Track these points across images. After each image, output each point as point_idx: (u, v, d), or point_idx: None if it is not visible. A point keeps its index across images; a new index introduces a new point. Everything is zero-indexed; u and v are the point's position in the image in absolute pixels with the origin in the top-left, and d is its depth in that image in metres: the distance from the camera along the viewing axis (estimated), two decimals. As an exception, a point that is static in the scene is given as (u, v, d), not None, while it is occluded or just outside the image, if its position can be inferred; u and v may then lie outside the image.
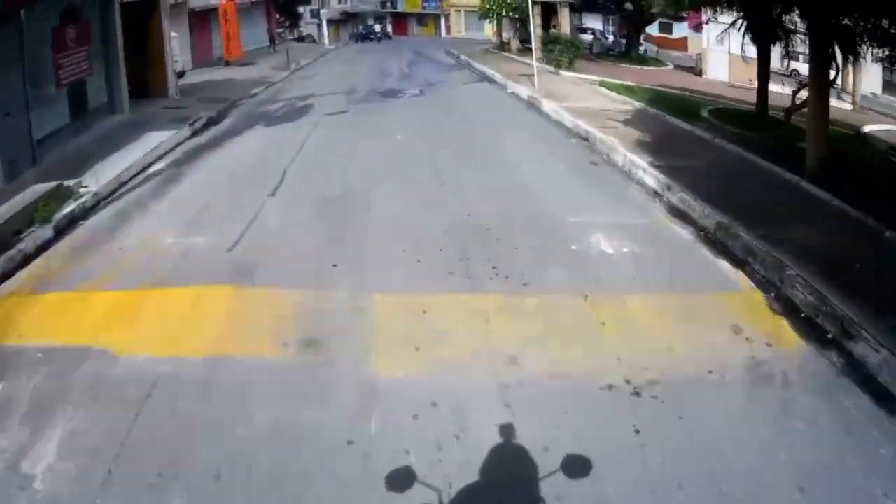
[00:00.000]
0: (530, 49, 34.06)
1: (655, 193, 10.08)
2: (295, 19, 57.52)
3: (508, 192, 9.84)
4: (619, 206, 9.41)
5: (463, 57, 32.71)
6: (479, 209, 8.93)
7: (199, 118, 17.42)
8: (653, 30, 59.17)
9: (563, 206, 9.13)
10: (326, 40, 48.42)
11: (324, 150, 12.83)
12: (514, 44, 33.43)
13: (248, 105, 20.10)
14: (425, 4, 64.23)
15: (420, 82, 23.47)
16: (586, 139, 13.61)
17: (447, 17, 61.54)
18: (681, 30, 58.36)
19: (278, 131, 15.35)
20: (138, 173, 12.04)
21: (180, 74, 24.14)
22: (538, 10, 28.13)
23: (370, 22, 67.60)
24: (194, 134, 16.25)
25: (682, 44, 51.23)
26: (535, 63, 21.13)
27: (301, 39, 55.23)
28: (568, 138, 13.96)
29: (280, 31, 54.90)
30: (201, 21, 34.04)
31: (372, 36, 56.95)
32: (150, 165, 12.69)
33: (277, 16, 52.44)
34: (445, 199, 9.45)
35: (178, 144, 14.89)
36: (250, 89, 23.64)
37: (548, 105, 17.35)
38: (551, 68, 25.82)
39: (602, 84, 21.73)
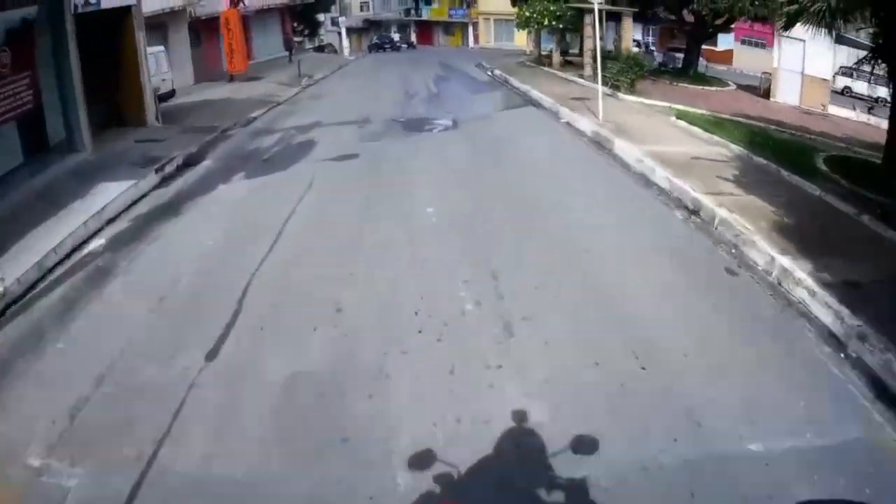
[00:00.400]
0: (572, 63, 30.82)
1: (838, 344, 5.99)
2: (314, 27, 53.89)
3: (622, 361, 5.62)
4: (809, 399, 5.18)
5: (497, 71, 28.65)
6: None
7: (172, 158, 13.75)
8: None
9: (721, 404, 5.04)
10: (346, 50, 44.65)
11: (312, 244, 8.64)
12: (556, 57, 29.26)
13: (238, 137, 16.24)
14: (452, 12, 60.19)
15: (451, 107, 19.38)
16: (697, 214, 9.47)
17: (475, 25, 57.45)
18: (726, 41, 54.01)
19: (259, 191, 11.32)
20: (68, 255, 8.70)
21: (168, 95, 20.42)
22: (591, 18, 24.11)
23: (388, 31, 63.90)
24: (162, 181, 12.57)
25: (726, 57, 46.70)
26: (599, 87, 17.01)
27: (321, 49, 51.58)
28: (669, 210, 9.79)
29: (299, 40, 51.30)
30: (207, 31, 30.33)
31: (387, 45, 52.89)
32: (87, 241, 9.29)
33: (295, 24, 48.84)
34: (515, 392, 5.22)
35: (134, 203, 11.27)
36: (248, 112, 19.85)
37: (623, 148, 13.25)
38: (606, 90, 21.70)
39: (678, 115, 17.51)
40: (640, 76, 21.02)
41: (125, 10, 16.36)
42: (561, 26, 27.54)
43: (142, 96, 17.31)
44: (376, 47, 51.74)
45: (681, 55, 33.71)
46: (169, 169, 13.25)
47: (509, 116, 17.97)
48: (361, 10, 67.07)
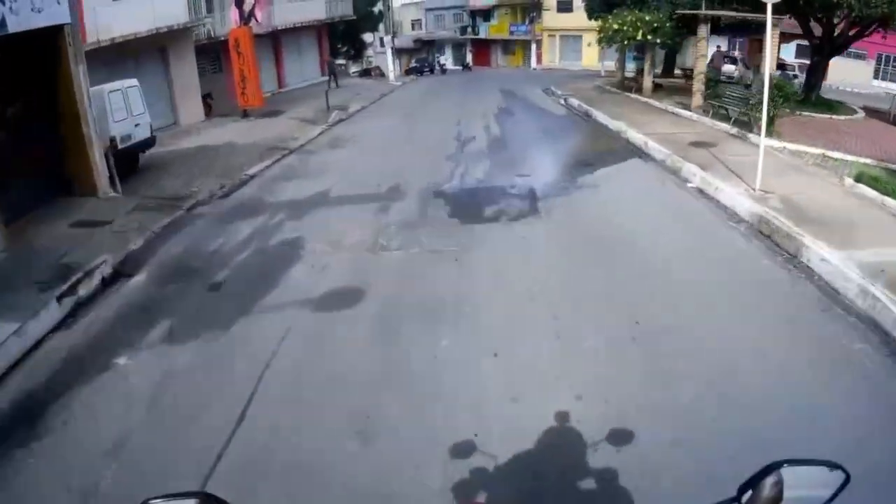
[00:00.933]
0: (662, 87, 23.81)
1: None
2: (359, 48, 49.05)
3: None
4: None
5: (573, 100, 22.88)
6: None
7: (93, 269, 8.66)
8: (788, 52, 47.62)
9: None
10: (392, 74, 39.31)
11: None
12: (648, 81, 23.25)
13: (206, 222, 10.93)
14: (513, 28, 54.34)
15: (522, 163, 13.56)
16: None
17: (538, 43, 51.62)
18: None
19: (174, 385, 5.83)
20: None
21: (145, 144, 15.44)
22: (704, 30, 18.31)
23: (442, 51, 58.65)
24: (68, 318, 7.59)
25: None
26: (762, 141, 11.06)
27: (367, 73, 46.57)
28: None
29: (342, 62, 46.46)
30: (226, 54, 25.19)
31: (425, 69, 47.34)
32: None
33: (339, 45, 44.09)
34: None
35: None
36: (245, 167, 14.80)
37: (829, 259, 7.41)
38: (728, 126, 15.75)
39: (856, 177, 11.33)
40: (786, 106, 14.88)
41: (53, 33, 11.35)
42: (658, 41, 21.64)
43: (87, 155, 12.35)
44: (415, 71, 46.29)
45: (790, 72, 27.37)
46: (84, 291, 8.11)
47: (609, 179, 12.08)
48: (413, 28, 62.05)
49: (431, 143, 16.50)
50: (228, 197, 12.44)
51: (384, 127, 19.94)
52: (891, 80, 39.72)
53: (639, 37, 21.53)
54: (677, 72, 29.33)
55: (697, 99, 18.18)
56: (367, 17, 44.39)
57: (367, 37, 49.03)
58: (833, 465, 1.60)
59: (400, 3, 57.60)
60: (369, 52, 51.61)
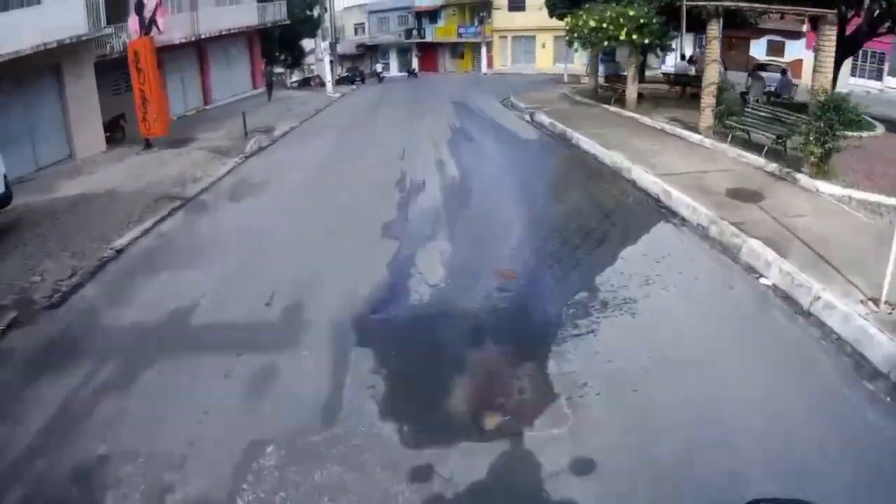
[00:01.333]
0: (643, 97, 19.79)
1: None
2: (297, 56, 44.27)
3: None
4: None
5: (542, 116, 18.91)
6: None
7: None
8: (760, 50, 44.52)
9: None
10: (330, 85, 34.67)
11: None
12: (633, 91, 19.29)
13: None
14: (462, 31, 50.26)
15: (503, 244, 9.05)
16: None
17: (489, 45, 47.67)
18: (795, 50, 44.32)
19: None
20: None
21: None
22: (717, 24, 14.66)
23: (386, 56, 54.37)
24: None
25: (795, 69, 36.46)
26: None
27: (306, 83, 41.79)
28: None
29: (280, 72, 41.70)
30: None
31: (357, 78, 42.59)
32: None
33: (277, 53, 39.32)
34: None
35: None
36: (109, 240, 10.35)
37: None
38: (758, 159, 12.05)
39: None
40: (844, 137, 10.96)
41: None
42: (646, 41, 17.81)
43: None
44: (346, 81, 41.37)
45: (790, 77, 23.92)
46: None
47: (647, 282, 7.61)
48: (356, 33, 57.60)
49: (364, 195, 12.02)
50: (63, 305, 8.04)
51: (307, 163, 15.42)
52: (869, 78, 36.74)
53: (622, 36, 17.67)
54: (660, 75, 25.58)
55: (707, 117, 14.41)
56: (305, 22, 39.68)
57: (308, 43, 44.29)
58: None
59: (342, 7, 53.31)
60: (310, 59, 46.89)
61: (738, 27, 19.71)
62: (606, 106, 20.22)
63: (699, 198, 9.84)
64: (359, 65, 49.17)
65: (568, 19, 20.90)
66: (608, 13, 17.90)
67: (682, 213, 9.66)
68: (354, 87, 38.50)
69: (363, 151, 16.21)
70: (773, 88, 21.92)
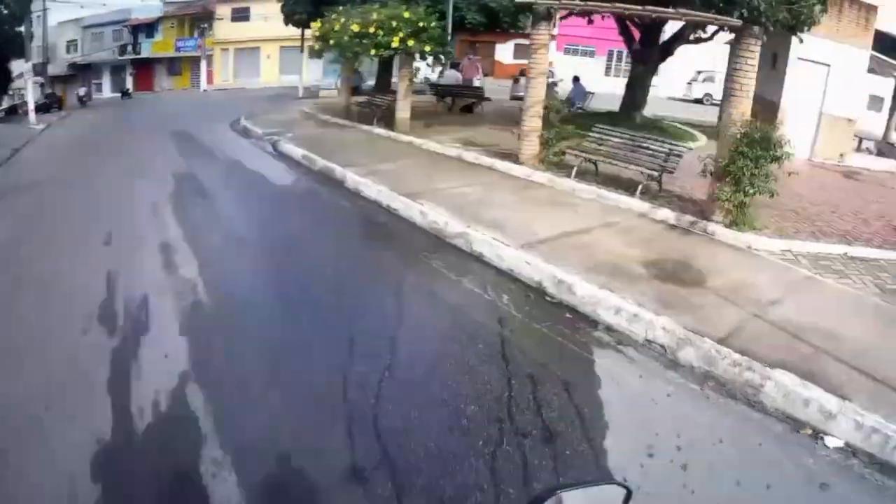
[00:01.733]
0: (428, 126, 15.12)
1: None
2: (4, 81, 35.16)
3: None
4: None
5: (292, 147, 13.82)
6: None
7: None
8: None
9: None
10: (33, 115, 26.26)
11: None
12: (405, 110, 15.26)
13: None
14: (180, 44, 43.62)
15: None
16: None
17: (209, 59, 41.63)
18: (507, 51, 44.22)
19: None
20: None
21: None
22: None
23: (99, 76, 46.11)
24: None
25: (513, 71, 35.26)
26: None
27: (13, 111, 33.56)
28: None
29: (-23, 98, 32.83)
30: None
31: (54, 106, 33.88)
32: None
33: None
34: None
35: None
36: None
37: None
38: (640, 204, 8.65)
39: None
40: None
41: None
42: (427, 49, 13.89)
43: None
44: (44, 109, 32.36)
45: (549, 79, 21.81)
46: None
47: None
48: (69, 51, 49.05)
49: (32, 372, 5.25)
50: None
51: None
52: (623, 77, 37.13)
53: (395, 43, 13.54)
54: (420, 85, 21.91)
55: (532, 144, 10.75)
56: (12, 41, 31.75)
57: (18, 65, 34.99)
58: (612, 483, 1.60)
59: (56, 22, 45.08)
60: (20, 83, 37.38)
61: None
62: (368, 127, 16.11)
63: (620, 288, 5.90)
64: (74, 86, 40.66)
65: (317, 24, 16.37)
66: (375, 16, 13.69)
67: (608, 321, 5.59)
68: (63, 113, 30.89)
69: (50, 236, 9.33)
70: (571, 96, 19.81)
